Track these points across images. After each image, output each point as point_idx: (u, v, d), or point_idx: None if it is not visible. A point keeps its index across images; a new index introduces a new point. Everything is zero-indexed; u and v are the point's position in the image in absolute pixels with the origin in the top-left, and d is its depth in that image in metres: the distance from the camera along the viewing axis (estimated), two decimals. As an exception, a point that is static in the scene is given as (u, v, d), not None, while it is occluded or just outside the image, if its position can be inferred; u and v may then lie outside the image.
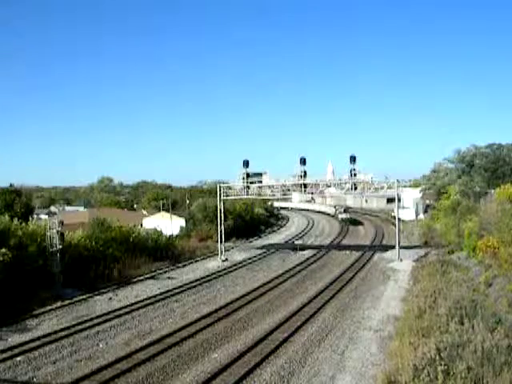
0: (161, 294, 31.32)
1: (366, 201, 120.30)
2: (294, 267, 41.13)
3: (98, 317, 25.57)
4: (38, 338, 21.82)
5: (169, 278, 37.53)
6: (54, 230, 32.10)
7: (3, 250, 28.05)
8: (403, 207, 74.82)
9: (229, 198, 48.49)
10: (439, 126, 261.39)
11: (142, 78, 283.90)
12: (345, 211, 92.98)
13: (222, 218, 47.81)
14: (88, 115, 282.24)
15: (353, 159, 42.16)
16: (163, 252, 45.73)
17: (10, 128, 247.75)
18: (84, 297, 30.15)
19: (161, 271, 40.23)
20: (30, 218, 41.59)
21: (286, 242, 61.12)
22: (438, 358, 14.04)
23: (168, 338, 21.55)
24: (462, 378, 12.80)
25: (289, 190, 46.76)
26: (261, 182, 46.53)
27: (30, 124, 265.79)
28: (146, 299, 29.73)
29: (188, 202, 79.65)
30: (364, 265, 41.98)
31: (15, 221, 33.67)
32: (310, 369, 17.80)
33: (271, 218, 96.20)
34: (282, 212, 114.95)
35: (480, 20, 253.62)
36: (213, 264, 43.61)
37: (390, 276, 35.54)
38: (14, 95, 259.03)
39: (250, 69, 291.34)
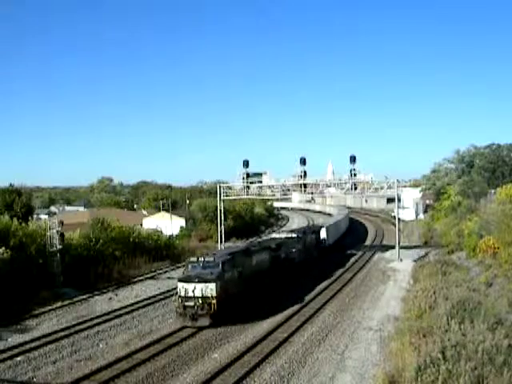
0: (161, 293, 31.27)
1: (366, 201, 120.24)
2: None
3: (98, 317, 25.55)
4: (38, 338, 21.81)
5: (169, 278, 37.47)
6: (54, 230, 32.10)
7: (2, 249, 28.06)
8: (403, 207, 74.77)
9: (229, 197, 48.45)
10: (439, 126, 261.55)
11: (141, 78, 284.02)
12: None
13: (222, 218, 47.79)
14: (88, 115, 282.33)
15: (353, 159, 42.18)
16: (163, 252, 45.73)
17: (10, 128, 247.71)
18: (84, 297, 30.13)
19: (161, 271, 40.20)
20: (30, 218, 41.63)
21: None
22: (441, 357, 14.03)
23: (168, 338, 21.53)
24: (465, 378, 12.78)
25: (289, 189, 46.74)
26: (261, 181, 46.52)
27: (30, 124, 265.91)
28: (145, 299, 29.70)
29: (188, 202, 79.66)
30: (364, 265, 41.95)
31: (15, 221, 33.68)
32: (309, 369, 17.79)
33: (271, 218, 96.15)
34: (282, 212, 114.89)
35: (480, 20, 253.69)
36: (213, 264, 43.35)
37: (390, 276, 35.49)
38: (14, 95, 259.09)
39: (250, 69, 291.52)
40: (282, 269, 32.83)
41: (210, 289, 22.38)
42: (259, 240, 40.51)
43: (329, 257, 45.15)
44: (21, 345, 20.92)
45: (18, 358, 19.36)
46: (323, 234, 47.57)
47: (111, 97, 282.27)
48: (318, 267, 39.46)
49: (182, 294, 22.79)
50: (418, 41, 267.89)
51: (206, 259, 24.28)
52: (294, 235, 38.62)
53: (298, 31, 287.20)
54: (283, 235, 39.07)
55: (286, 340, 20.79)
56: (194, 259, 24.90)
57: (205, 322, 22.34)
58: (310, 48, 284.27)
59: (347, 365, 18.01)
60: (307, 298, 28.82)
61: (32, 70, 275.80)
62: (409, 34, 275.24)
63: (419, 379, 13.24)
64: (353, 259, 44.65)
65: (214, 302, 22.18)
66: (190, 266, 24.61)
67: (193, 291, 22.47)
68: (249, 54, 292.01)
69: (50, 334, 22.44)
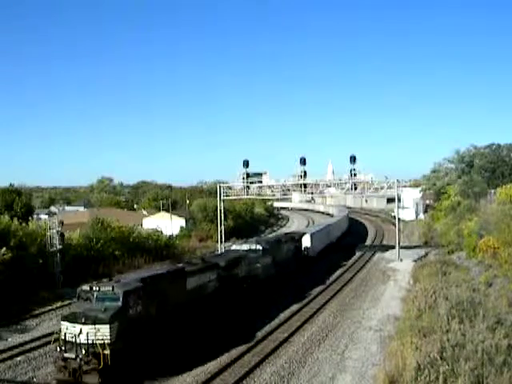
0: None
1: (366, 201, 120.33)
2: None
3: (98, 317, 25.43)
4: (38, 338, 21.85)
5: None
6: (54, 230, 32.09)
7: (3, 249, 28.08)
8: (403, 207, 74.76)
9: (229, 197, 48.47)
10: (439, 126, 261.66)
11: (142, 78, 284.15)
12: None
13: (222, 218, 47.81)
14: (88, 115, 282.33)
15: (353, 159, 42.20)
16: (163, 252, 45.75)
17: (10, 128, 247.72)
18: (84, 297, 30.06)
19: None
20: (30, 218, 41.62)
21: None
22: (440, 357, 14.05)
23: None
24: (464, 378, 12.80)
25: (289, 189, 46.74)
26: (261, 181, 46.53)
27: (30, 124, 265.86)
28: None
29: (188, 202, 79.71)
30: (364, 265, 41.99)
31: (15, 221, 33.68)
32: (309, 369, 17.81)
33: (271, 218, 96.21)
34: (282, 212, 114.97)
35: (480, 20, 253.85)
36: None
37: (390, 276, 35.52)
38: (14, 95, 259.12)
39: (250, 69, 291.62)
40: (237, 291, 25.94)
41: (102, 333, 15.67)
42: (201, 257, 27.97)
43: (313, 269, 39.21)
44: (21, 345, 20.96)
45: (18, 358, 19.40)
46: (306, 242, 41.69)
47: (111, 97, 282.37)
48: (292, 285, 32.87)
49: (64, 338, 16.07)
50: (418, 41, 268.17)
51: (102, 288, 16.96)
52: (258, 247, 31.43)
53: (297, 30, 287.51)
54: (245, 247, 31.84)
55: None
56: (86, 288, 17.33)
57: (92, 381, 15.50)
58: (309, 47, 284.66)
59: (347, 365, 18.03)
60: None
61: (32, 69, 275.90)
62: (409, 33, 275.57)
63: (419, 379, 13.26)
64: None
65: (107, 352, 15.44)
66: (81, 297, 17.35)
67: (77, 336, 15.79)
68: (249, 54, 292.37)
69: (50, 334, 22.36)
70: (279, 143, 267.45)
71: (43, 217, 55.62)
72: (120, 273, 36.77)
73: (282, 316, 25.12)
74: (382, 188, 44.46)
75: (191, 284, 21.34)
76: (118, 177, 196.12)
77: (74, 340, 15.85)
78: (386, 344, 19.49)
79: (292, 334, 21.83)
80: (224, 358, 18.82)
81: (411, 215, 74.94)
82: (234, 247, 33.46)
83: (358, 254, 47.81)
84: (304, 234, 43.31)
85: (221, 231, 47.36)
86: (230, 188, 48.30)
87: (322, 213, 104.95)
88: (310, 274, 37.11)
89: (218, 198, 47.63)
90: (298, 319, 24.36)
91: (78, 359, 15.59)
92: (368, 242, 60.21)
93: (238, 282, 26.45)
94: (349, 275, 36.83)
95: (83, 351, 15.59)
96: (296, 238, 40.34)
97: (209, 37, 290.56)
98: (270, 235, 68.40)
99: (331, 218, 77.61)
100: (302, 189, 45.25)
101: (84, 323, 15.87)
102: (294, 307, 26.82)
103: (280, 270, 33.36)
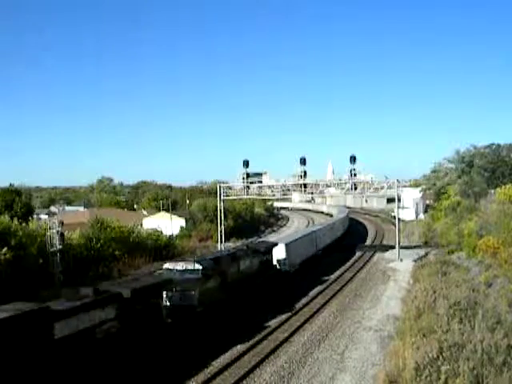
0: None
1: (366, 201, 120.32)
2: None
3: (98, 317, 25.32)
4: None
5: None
6: (54, 230, 32.13)
7: (4, 249, 28.14)
8: (403, 207, 74.74)
9: (229, 198, 48.55)
10: (439, 126, 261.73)
11: (141, 78, 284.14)
12: None
13: (222, 218, 47.86)
14: (88, 115, 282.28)
15: (353, 159, 42.27)
16: (163, 252, 45.80)
17: (9, 128, 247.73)
18: (84, 297, 30.05)
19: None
20: (30, 218, 41.69)
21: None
22: (440, 357, 14.07)
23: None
24: (464, 378, 12.82)
25: (289, 189, 46.79)
26: (261, 181, 46.58)
27: (30, 124, 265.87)
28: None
29: (188, 201, 79.78)
30: (364, 265, 42.01)
31: (15, 221, 33.74)
32: (309, 369, 17.83)
33: (271, 218, 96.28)
34: (282, 212, 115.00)
35: (480, 20, 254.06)
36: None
37: (390, 276, 35.57)
38: (14, 95, 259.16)
39: (250, 68, 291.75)
40: (156, 331, 19.47)
41: None
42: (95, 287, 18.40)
43: (286, 288, 31.34)
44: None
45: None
46: (280, 254, 33.86)
47: (110, 96, 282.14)
48: (247, 314, 24.98)
49: None
50: (418, 40, 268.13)
51: None
52: (197, 266, 23.48)
53: (297, 30, 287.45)
54: (180, 265, 23.84)
55: None
56: None
57: None
58: (309, 47, 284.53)
59: (347, 365, 18.05)
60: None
61: (31, 69, 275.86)
62: (409, 33, 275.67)
63: (419, 379, 13.28)
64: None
65: None
66: None
67: None
68: (248, 53, 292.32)
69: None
70: (279, 143, 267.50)
71: (43, 217, 55.71)
72: (120, 272, 36.83)
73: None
74: (382, 188, 44.52)
75: (64, 330, 15.00)
76: (117, 177, 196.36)
77: None
78: (386, 344, 19.53)
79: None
80: None
81: (411, 215, 74.96)
82: (166, 265, 24.83)
83: (357, 253, 47.80)
84: (275, 244, 34.84)
85: (221, 231, 47.41)
86: (230, 188, 48.40)
87: (322, 212, 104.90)
88: (281, 296, 29.42)
89: (218, 198, 47.69)
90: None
91: None
92: (368, 242, 60.24)
93: (158, 318, 20.06)
94: (349, 274, 36.71)
95: None
96: (262, 250, 31.96)
97: (209, 36, 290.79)
98: (270, 235, 68.47)
99: (330, 218, 77.37)
100: (302, 189, 45.31)
101: None
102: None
103: (234, 295, 25.82)
